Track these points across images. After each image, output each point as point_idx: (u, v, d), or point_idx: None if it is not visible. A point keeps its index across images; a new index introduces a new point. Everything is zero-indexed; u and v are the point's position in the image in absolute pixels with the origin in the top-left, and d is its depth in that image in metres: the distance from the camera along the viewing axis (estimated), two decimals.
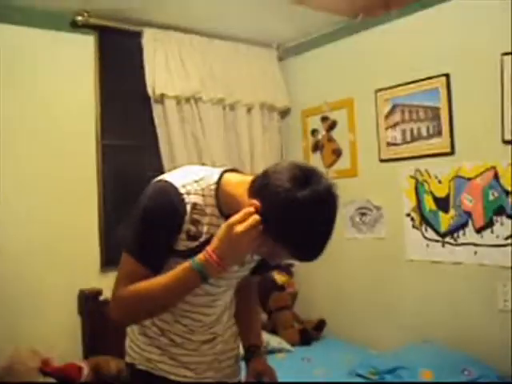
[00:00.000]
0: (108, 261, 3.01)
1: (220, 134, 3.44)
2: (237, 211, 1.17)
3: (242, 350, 1.62)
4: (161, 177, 1.32)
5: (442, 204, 2.91)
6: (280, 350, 3.10)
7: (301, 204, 1.12)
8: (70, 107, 2.98)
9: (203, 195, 1.29)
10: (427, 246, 2.97)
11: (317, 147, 3.65)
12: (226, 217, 1.22)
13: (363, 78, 3.31)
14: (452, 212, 2.86)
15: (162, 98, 3.20)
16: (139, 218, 1.27)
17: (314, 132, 3.66)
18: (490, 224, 2.70)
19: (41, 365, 2.52)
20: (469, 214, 2.79)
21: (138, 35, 3.17)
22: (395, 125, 3.13)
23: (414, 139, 3.04)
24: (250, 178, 1.26)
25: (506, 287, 2.62)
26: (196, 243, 1.28)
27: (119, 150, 3.23)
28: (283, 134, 3.84)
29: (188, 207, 1.26)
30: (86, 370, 2.58)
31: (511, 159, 2.59)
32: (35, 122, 2.85)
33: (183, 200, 1.26)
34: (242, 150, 3.57)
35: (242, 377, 1.60)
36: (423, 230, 2.99)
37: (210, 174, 1.32)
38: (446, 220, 2.89)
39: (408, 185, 3.07)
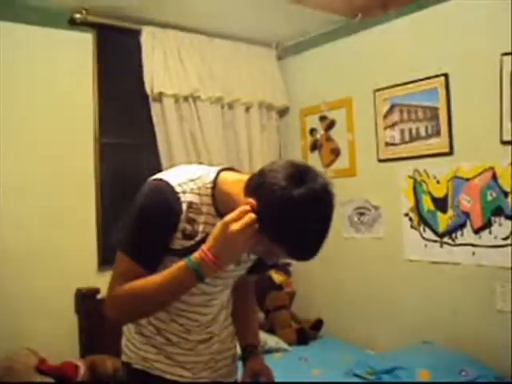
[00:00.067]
0: (105, 260, 2.99)
1: (218, 132, 3.43)
2: (233, 210, 1.17)
3: (238, 350, 1.61)
4: (157, 175, 1.32)
5: (441, 204, 2.90)
6: (277, 350, 3.10)
7: (296, 202, 1.12)
8: (67, 105, 2.96)
9: (199, 194, 1.28)
10: (425, 246, 2.97)
11: (315, 146, 3.64)
12: (222, 215, 1.21)
13: (362, 78, 3.30)
14: (450, 212, 2.86)
15: (160, 97, 3.19)
16: (135, 216, 1.26)
17: (313, 131, 3.66)
18: (488, 225, 2.69)
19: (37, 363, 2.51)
20: (467, 215, 2.79)
21: (136, 33, 3.16)
22: (394, 125, 3.13)
23: (412, 139, 3.04)
24: (246, 177, 1.26)
25: (504, 288, 2.62)
26: (192, 242, 1.27)
27: (117, 149, 3.22)
28: (282, 132, 3.84)
29: (184, 206, 1.25)
30: (82, 369, 2.57)
31: (511, 159, 2.59)
32: (33, 119, 2.84)
33: (179, 199, 1.25)
34: (241, 148, 3.56)
35: (239, 376, 1.59)
36: (421, 230, 2.99)
37: (207, 173, 1.32)
38: (444, 220, 2.89)
39: (406, 185, 3.07)
